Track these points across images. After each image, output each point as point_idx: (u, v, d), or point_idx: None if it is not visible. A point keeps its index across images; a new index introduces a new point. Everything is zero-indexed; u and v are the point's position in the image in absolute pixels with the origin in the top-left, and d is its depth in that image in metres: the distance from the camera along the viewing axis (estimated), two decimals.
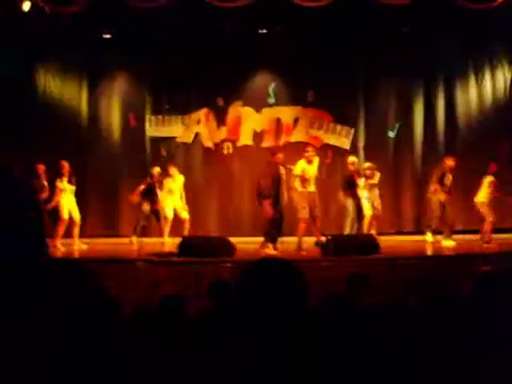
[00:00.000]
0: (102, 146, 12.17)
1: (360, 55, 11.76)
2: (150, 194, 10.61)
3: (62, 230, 10.25)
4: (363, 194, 10.56)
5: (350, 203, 10.37)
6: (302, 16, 10.68)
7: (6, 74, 10.82)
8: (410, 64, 11.95)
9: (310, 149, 9.98)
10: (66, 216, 10.27)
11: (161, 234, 10.86)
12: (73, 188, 10.41)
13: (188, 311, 4.01)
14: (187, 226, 10.88)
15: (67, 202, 10.30)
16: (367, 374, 1.90)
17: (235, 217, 11.99)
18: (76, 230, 10.43)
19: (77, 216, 10.43)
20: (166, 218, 10.97)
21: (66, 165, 10.33)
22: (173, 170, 11.07)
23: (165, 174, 11.04)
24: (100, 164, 12.05)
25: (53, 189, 10.14)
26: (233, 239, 9.25)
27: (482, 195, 10.15)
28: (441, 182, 10.10)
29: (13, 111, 10.99)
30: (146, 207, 10.54)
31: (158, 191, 10.79)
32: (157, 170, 10.80)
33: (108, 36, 11.54)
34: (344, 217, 10.29)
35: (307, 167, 9.64)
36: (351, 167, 10.48)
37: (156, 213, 10.65)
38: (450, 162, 10.09)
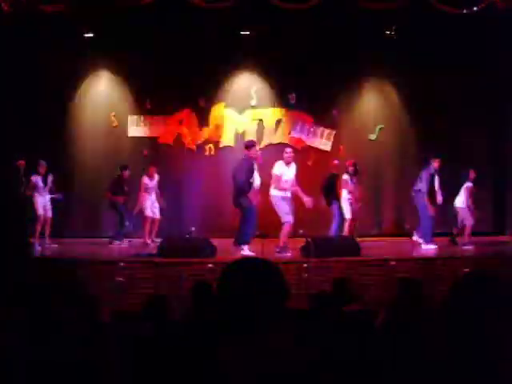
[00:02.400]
0: (84, 146, 12.10)
1: (342, 58, 11.85)
2: (121, 191, 10.86)
3: (38, 228, 10.41)
4: (345, 195, 10.62)
5: (335, 207, 10.48)
6: (285, 18, 10.71)
7: None
8: (390, 66, 12.08)
9: (288, 150, 9.69)
10: (41, 213, 10.45)
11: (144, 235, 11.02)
12: (47, 187, 10.56)
13: (170, 312, 4.01)
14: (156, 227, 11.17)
15: (41, 199, 10.45)
16: (351, 377, 1.91)
17: (217, 218, 11.97)
18: (48, 228, 10.61)
19: (49, 215, 10.61)
20: (146, 217, 11.00)
21: (43, 164, 10.44)
22: (152, 171, 11.09)
23: (145, 173, 11.09)
24: (82, 163, 11.98)
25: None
26: (214, 240, 9.24)
27: (461, 200, 10.32)
28: (431, 183, 10.21)
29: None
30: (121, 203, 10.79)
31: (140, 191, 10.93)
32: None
33: (90, 35, 11.44)
34: (329, 220, 10.44)
35: (286, 169, 9.36)
36: (334, 170, 10.58)
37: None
38: (436, 164, 10.19)
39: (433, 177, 10.23)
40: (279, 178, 9.23)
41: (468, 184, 10.32)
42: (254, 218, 9.17)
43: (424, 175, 10.20)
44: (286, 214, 9.20)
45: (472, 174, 10.38)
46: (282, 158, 9.44)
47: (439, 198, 10.20)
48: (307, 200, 9.32)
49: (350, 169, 10.68)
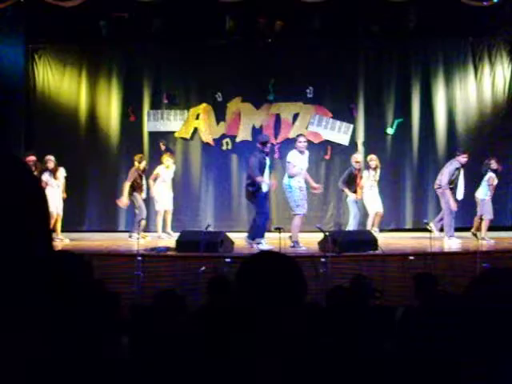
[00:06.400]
0: (100, 140, 12.14)
1: (360, 51, 11.82)
2: (137, 186, 10.73)
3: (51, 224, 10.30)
4: (368, 190, 10.57)
5: (351, 200, 10.43)
6: (302, 11, 10.65)
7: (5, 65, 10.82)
8: (409, 60, 12.01)
9: (301, 138, 9.58)
10: (52, 210, 10.30)
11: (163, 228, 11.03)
12: (59, 183, 10.47)
13: (187, 306, 4.00)
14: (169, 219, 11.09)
15: (52, 196, 10.27)
16: (366, 375, 1.88)
17: (234, 212, 11.98)
18: (58, 224, 10.48)
19: (60, 210, 10.49)
20: (157, 211, 10.99)
21: (51, 159, 10.39)
22: (168, 160, 11.07)
23: (159, 162, 11.10)
24: (99, 158, 12.02)
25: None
26: (231, 234, 9.23)
27: (481, 191, 10.18)
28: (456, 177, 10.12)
29: (10, 104, 10.97)
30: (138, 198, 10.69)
31: (151, 182, 10.89)
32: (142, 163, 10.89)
33: (107, 29, 11.48)
34: (346, 213, 10.39)
35: (300, 157, 9.28)
36: (356, 165, 10.51)
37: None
38: (462, 158, 10.08)
39: (458, 171, 10.10)
40: (293, 166, 9.16)
41: (490, 174, 10.14)
42: (267, 211, 9.15)
43: (446, 169, 10.10)
44: (297, 206, 9.12)
45: (494, 164, 10.15)
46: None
47: (460, 194, 10.08)
48: (316, 186, 9.32)
49: (372, 163, 10.65)
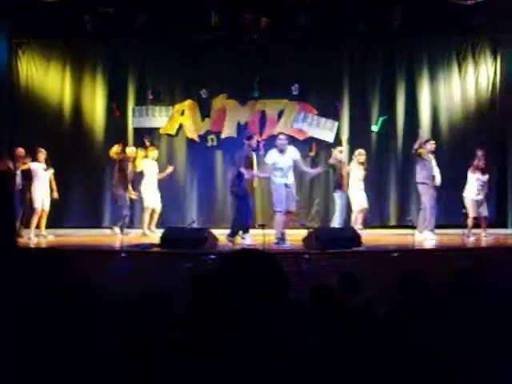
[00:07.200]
0: (85, 136, 12.08)
1: (345, 49, 11.86)
2: (125, 178, 10.64)
3: (35, 219, 10.20)
4: (354, 184, 10.61)
5: (337, 196, 10.46)
6: (288, 8, 10.67)
7: None
8: (394, 58, 12.07)
9: (281, 136, 9.52)
10: (38, 205, 10.23)
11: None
12: (48, 173, 10.39)
13: (173, 303, 3.99)
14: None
15: (40, 190, 10.26)
16: (357, 372, 1.89)
17: (218, 209, 11.99)
18: (43, 220, 10.39)
19: (46, 206, 10.39)
20: (145, 207, 10.96)
21: (42, 150, 10.34)
22: (153, 151, 11.05)
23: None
24: (83, 154, 11.95)
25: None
26: (215, 231, 9.23)
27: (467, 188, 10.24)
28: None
29: None
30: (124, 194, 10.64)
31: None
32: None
33: (92, 24, 11.40)
34: (331, 210, 10.45)
35: (278, 156, 9.16)
36: (338, 156, 10.58)
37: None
38: (429, 146, 10.17)
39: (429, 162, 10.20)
40: (272, 167, 9.14)
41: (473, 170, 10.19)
42: (249, 206, 9.17)
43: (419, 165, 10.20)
44: (279, 203, 9.11)
45: (478, 159, 10.15)
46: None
47: (438, 181, 10.17)
48: (316, 171, 9.47)
49: (360, 158, 10.71)
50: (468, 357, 1.91)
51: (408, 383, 1.97)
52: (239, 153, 9.36)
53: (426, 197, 10.11)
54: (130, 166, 10.73)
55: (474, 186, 10.12)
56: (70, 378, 1.42)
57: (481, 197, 10.13)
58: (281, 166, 9.13)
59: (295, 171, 9.52)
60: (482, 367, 1.87)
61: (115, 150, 10.73)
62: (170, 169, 11.22)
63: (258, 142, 11.24)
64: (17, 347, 1.40)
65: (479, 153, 10.19)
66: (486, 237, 10.04)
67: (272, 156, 9.22)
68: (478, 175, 10.14)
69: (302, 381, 1.79)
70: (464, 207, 10.13)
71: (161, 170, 11.28)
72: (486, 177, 10.21)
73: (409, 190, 11.77)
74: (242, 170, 9.07)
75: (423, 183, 10.12)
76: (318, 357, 1.89)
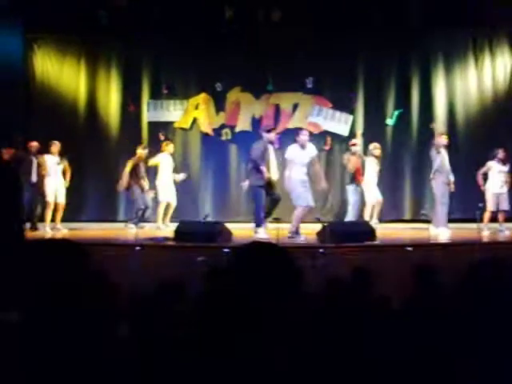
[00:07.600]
0: (99, 130, 12.13)
1: (360, 42, 11.77)
2: (137, 176, 10.57)
3: (48, 213, 10.23)
4: (370, 178, 10.57)
5: (351, 190, 10.40)
6: (302, 1, 10.61)
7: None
8: (409, 51, 11.98)
9: (304, 132, 9.32)
10: (51, 199, 10.25)
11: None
12: (61, 166, 10.41)
13: (187, 296, 3.99)
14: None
15: (52, 183, 10.28)
16: (370, 370, 1.88)
17: (232, 202, 11.99)
18: (58, 214, 10.40)
19: (61, 199, 10.40)
20: (160, 201, 10.94)
21: (56, 143, 10.36)
22: (170, 145, 11.02)
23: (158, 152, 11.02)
24: (98, 148, 12.00)
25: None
26: (229, 225, 9.23)
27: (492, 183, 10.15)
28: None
29: (9, 94, 10.94)
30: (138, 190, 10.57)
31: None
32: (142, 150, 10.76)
33: (107, 19, 11.44)
34: (346, 204, 10.41)
35: (300, 152, 9.07)
36: (352, 148, 10.51)
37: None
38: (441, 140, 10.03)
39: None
40: (292, 162, 9.06)
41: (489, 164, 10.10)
42: (262, 199, 9.14)
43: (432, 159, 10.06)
44: (298, 198, 9.06)
45: (500, 154, 10.07)
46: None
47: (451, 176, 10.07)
48: (323, 185, 9.36)
49: (376, 152, 10.66)
50: (477, 356, 1.89)
51: (419, 378, 1.95)
52: (256, 145, 9.31)
53: (439, 191, 10.01)
54: (142, 166, 10.73)
55: (496, 179, 10.04)
56: (82, 375, 1.41)
57: (504, 190, 10.05)
58: (301, 161, 9.07)
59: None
60: (493, 364, 1.84)
61: (143, 151, 10.72)
62: (182, 176, 11.02)
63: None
64: (27, 342, 1.40)
65: (499, 145, 10.11)
66: (501, 231, 9.93)
67: (293, 151, 9.12)
68: (501, 167, 10.06)
69: (316, 375, 1.78)
70: (483, 200, 10.01)
71: (176, 165, 11.24)
72: (508, 167, 10.12)
73: (424, 183, 11.67)
74: (263, 168, 9.04)
75: (436, 177, 10.02)
76: (331, 351, 1.88)
